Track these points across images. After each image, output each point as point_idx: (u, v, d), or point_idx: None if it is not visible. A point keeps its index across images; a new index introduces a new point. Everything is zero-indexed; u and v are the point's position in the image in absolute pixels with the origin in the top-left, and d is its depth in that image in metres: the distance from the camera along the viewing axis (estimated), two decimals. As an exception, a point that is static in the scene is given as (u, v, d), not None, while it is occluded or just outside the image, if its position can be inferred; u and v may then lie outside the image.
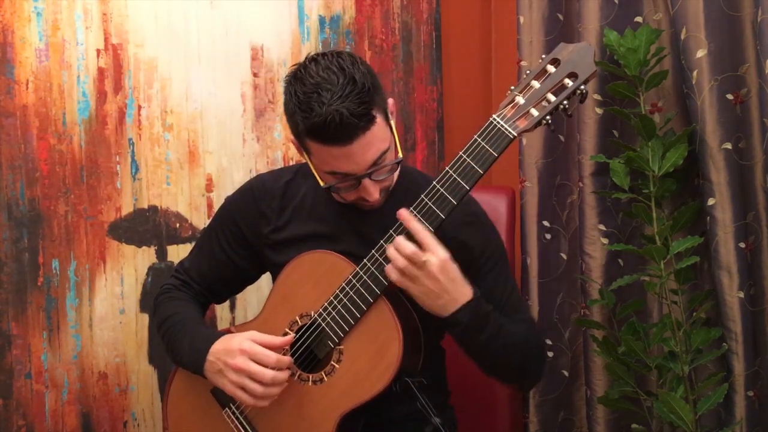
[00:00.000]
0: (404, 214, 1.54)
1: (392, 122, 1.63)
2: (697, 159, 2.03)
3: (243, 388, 1.60)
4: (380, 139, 1.57)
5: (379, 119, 1.56)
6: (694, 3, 1.98)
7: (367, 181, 1.60)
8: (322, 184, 1.63)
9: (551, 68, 1.53)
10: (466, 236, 1.70)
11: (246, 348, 1.60)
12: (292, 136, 1.65)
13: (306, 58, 1.59)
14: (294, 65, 1.60)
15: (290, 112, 1.58)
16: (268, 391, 1.60)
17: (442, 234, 1.56)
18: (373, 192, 1.61)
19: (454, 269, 1.54)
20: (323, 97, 1.52)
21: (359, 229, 1.71)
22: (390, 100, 1.65)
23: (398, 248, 1.53)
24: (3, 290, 2.02)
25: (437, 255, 1.52)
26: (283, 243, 1.76)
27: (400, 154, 1.62)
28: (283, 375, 1.60)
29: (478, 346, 1.61)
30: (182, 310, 1.79)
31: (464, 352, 1.65)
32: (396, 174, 1.67)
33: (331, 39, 2.35)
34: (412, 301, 1.62)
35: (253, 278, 1.91)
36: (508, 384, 1.74)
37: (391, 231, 1.57)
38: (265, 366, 1.59)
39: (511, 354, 1.65)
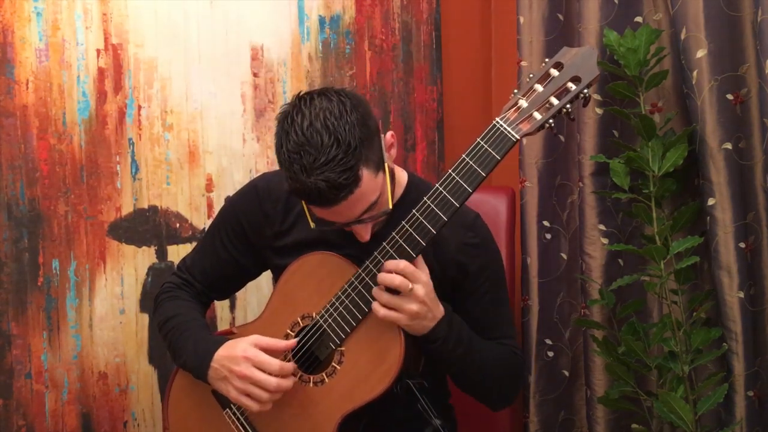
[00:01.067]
0: (385, 265, 1.56)
1: (387, 164, 1.59)
2: (697, 159, 2.03)
3: (248, 395, 1.61)
4: (369, 192, 1.54)
5: (367, 176, 1.52)
6: (694, 3, 1.98)
7: (355, 227, 1.60)
8: (311, 225, 1.61)
9: (554, 72, 1.53)
10: (466, 259, 1.72)
11: (249, 355, 1.60)
12: None
13: (299, 98, 1.55)
14: (287, 104, 1.57)
15: (279, 160, 1.56)
16: (272, 398, 1.61)
17: (443, 251, 1.57)
18: (364, 234, 1.61)
19: (432, 289, 1.59)
20: (305, 161, 1.48)
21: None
22: (389, 134, 1.63)
23: (384, 282, 1.55)
24: (3, 290, 2.02)
25: (421, 281, 1.56)
26: (286, 247, 1.76)
27: (390, 205, 1.59)
28: (287, 382, 1.61)
29: (455, 360, 1.65)
30: (184, 311, 1.79)
31: (442, 371, 1.73)
32: (390, 207, 1.63)
33: (331, 39, 2.34)
34: None
35: (254, 275, 1.91)
36: (481, 401, 1.78)
37: (384, 245, 1.59)
38: (269, 373, 1.59)
39: (484, 370, 1.69)
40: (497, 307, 1.77)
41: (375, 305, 1.57)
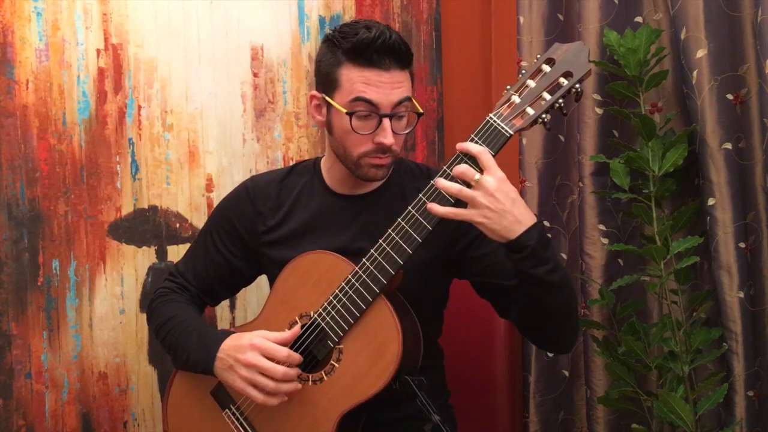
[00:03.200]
0: (460, 145, 1.51)
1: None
2: (697, 159, 2.03)
3: (254, 385, 1.60)
4: (409, 86, 1.65)
5: (411, 72, 1.66)
6: (694, 3, 1.98)
7: (387, 121, 1.62)
8: (343, 110, 1.63)
9: (546, 68, 1.54)
10: None
11: (257, 343, 1.60)
12: (313, 91, 1.71)
13: None
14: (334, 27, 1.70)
15: (327, 47, 1.66)
16: (279, 387, 1.59)
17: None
18: (390, 134, 1.63)
19: (513, 190, 1.49)
20: (373, 27, 1.61)
21: (356, 221, 1.72)
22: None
23: (453, 171, 1.49)
24: (3, 290, 2.02)
25: (494, 174, 1.47)
26: (280, 240, 1.77)
27: (421, 109, 1.67)
28: (294, 371, 1.60)
29: (542, 278, 1.52)
30: (183, 312, 1.79)
31: (522, 294, 1.58)
32: (400, 143, 1.69)
33: (331, 39, 2.34)
34: (411, 301, 1.62)
35: (248, 280, 1.92)
36: (557, 339, 1.65)
37: (380, 242, 1.57)
38: (276, 362, 1.59)
39: (568, 292, 1.58)
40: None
41: (435, 206, 1.49)
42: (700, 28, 1.97)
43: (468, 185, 1.48)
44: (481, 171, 1.48)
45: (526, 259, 1.51)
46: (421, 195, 1.56)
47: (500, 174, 1.48)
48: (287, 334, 1.62)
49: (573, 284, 1.66)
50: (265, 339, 1.61)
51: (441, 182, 1.50)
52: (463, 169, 1.48)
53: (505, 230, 1.49)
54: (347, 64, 1.62)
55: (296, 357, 1.61)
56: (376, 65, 1.60)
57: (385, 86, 1.61)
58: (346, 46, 1.61)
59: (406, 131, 1.68)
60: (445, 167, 1.53)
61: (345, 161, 1.70)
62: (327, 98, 1.67)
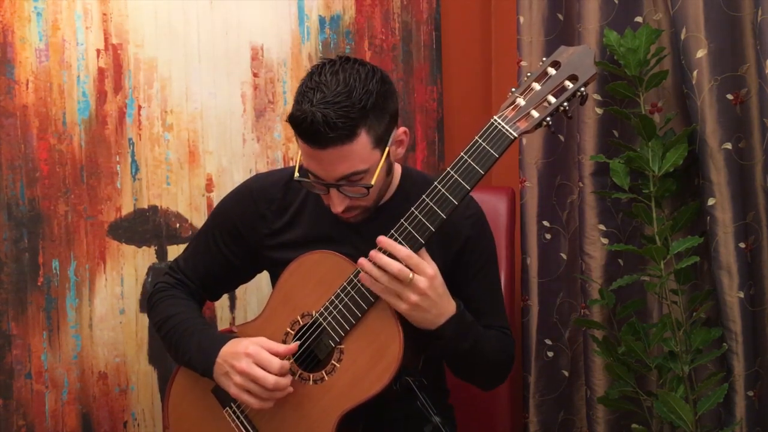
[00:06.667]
0: (384, 241, 1.55)
1: (389, 150, 1.62)
2: (697, 159, 2.03)
3: (247, 391, 1.62)
4: (358, 159, 1.57)
5: (364, 140, 1.56)
6: (694, 3, 1.98)
7: (333, 192, 1.61)
8: (296, 174, 1.64)
9: (552, 70, 1.54)
10: (466, 230, 1.73)
11: (251, 352, 1.61)
12: None
13: (337, 56, 1.62)
14: (326, 58, 1.65)
15: (295, 97, 1.62)
16: (270, 396, 1.61)
17: (443, 227, 1.57)
18: (337, 204, 1.62)
19: (441, 284, 1.57)
20: (315, 96, 1.54)
21: (360, 231, 1.71)
22: (401, 130, 1.66)
23: (383, 266, 1.54)
24: (3, 290, 2.02)
25: (425, 274, 1.54)
26: (284, 245, 1.76)
27: (372, 182, 1.60)
28: (286, 381, 1.61)
29: (457, 356, 1.66)
30: (184, 310, 1.79)
31: (442, 358, 1.75)
32: (372, 197, 1.65)
33: (331, 39, 2.35)
34: None
35: (248, 278, 1.92)
36: (474, 384, 1.80)
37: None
38: (269, 372, 1.60)
39: (485, 362, 1.70)
40: (491, 287, 1.79)
41: (370, 282, 1.55)
42: (700, 28, 1.97)
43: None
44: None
45: (445, 345, 1.62)
46: (424, 197, 1.56)
47: (430, 272, 1.55)
48: (283, 348, 1.63)
49: (499, 345, 1.74)
50: (261, 348, 1.62)
51: (373, 270, 1.55)
52: (396, 270, 1.53)
53: (428, 322, 1.58)
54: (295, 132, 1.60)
55: (287, 366, 1.62)
56: (310, 143, 1.56)
57: (323, 163, 1.58)
58: (290, 114, 1.57)
59: (358, 196, 1.62)
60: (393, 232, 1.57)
61: None
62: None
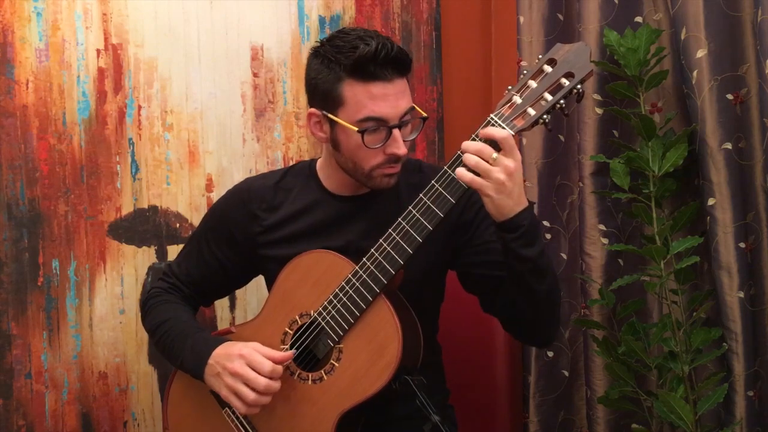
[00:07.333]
0: (484, 132, 1.52)
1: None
2: (697, 159, 2.03)
3: (236, 393, 1.61)
4: (410, 94, 1.64)
5: (407, 83, 1.64)
6: (694, 3, 1.98)
7: (397, 132, 1.62)
8: (354, 129, 1.61)
9: (548, 68, 1.53)
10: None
11: (244, 353, 1.62)
12: (312, 109, 1.68)
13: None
14: (320, 40, 1.67)
15: (322, 64, 1.63)
16: (259, 400, 1.61)
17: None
18: (402, 147, 1.63)
19: (522, 176, 1.53)
20: (369, 38, 1.59)
21: (353, 224, 1.72)
22: None
23: (469, 148, 1.51)
24: (3, 290, 2.02)
25: (514, 157, 1.49)
26: (277, 241, 1.77)
27: (424, 113, 1.67)
28: (277, 385, 1.61)
29: (530, 259, 1.56)
30: (178, 315, 1.79)
31: (510, 278, 1.60)
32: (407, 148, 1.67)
33: (331, 39, 2.34)
34: (410, 294, 1.63)
35: (242, 282, 1.93)
36: (540, 329, 1.69)
37: (381, 241, 1.58)
38: (260, 374, 1.60)
39: (553, 280, 1.61)
40: None
41: (460, 170, 1.50)
42: (700, 28, 1.97)
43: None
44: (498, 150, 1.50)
45: (518, 239, 1.54)
46: (421, 195, 1.56)
47: (518, 157, 1.52)
48: (278, 355, 1.62)
49: (557, 276, 1.67)
50: (255, 351, 1.62)
51: (466, 145, 1.51)
52: (480, 146, 1.49)
53: (508, 208, 1.52)
54: (350, 80, 1.60)
55: (279, 370, 1.61)
56: (380, 78, 1.59)
57: (391, 98, 1.60)
58: (347, 62, 1.59)
59: (413, 137, 1.68)
60: (473, 135, 1.53)
61: (355, 174, 1.69)
62: (331, 116, 1.64)
